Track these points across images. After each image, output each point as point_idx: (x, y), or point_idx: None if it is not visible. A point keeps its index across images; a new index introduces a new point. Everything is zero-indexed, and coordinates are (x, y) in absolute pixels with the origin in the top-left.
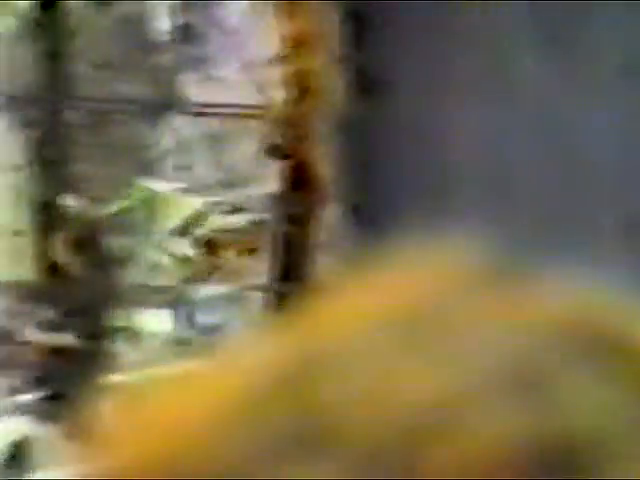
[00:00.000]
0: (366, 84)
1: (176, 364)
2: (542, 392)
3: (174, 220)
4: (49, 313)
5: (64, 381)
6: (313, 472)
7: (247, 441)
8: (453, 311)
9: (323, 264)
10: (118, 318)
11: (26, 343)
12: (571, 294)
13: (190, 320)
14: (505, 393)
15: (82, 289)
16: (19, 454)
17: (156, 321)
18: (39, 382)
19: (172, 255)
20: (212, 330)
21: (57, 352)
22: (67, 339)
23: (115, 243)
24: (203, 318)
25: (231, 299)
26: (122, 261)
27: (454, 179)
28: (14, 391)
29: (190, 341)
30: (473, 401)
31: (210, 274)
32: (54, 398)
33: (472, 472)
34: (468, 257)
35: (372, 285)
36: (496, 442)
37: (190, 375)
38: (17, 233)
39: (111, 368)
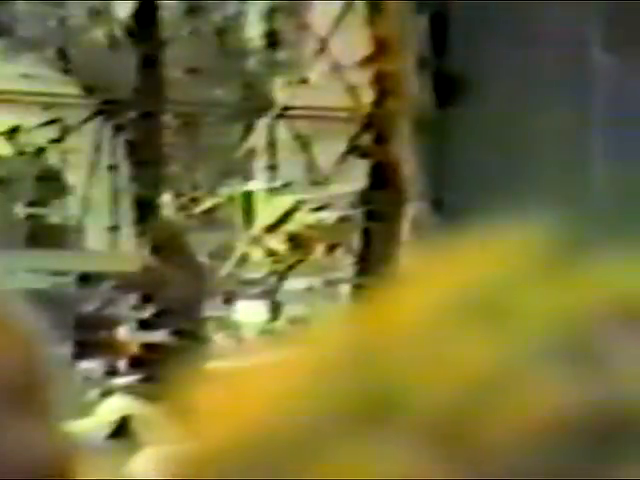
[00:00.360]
0: (447, 85)
1: (266, 352)
2: (595, 363)
3: (266, 217)
4: (143, 311)
5: (161, 366)
6: (380, 440)
7: (320, 413)
8: (513, 291)
9: (406, 258)
10: (213, 309)
11: (122, 340)
12: (627, 277)
13: (278, 311)
14: (560, 364)
15: (173, 286)
16: (121, 432)
17: (248, 312)
18: (137, 365)
19: (264, 250)
20: (299, 321)
21: (152, 348)
22: (160, 336)
23: (210, 238)
24: (291, 309)
25: (317, 292)
26: (216, 255)
27: (533, 175)
28: (115, 373)
29: (278, 331)
30: (529, 372)
31: (297, 268)
32: (151, 380)
33: (529, 439)
34: (531, 241)
35: (443, 268)
36: (551, 410)
37: (271, 356)
38: (113, 229)
39: (206, 356)
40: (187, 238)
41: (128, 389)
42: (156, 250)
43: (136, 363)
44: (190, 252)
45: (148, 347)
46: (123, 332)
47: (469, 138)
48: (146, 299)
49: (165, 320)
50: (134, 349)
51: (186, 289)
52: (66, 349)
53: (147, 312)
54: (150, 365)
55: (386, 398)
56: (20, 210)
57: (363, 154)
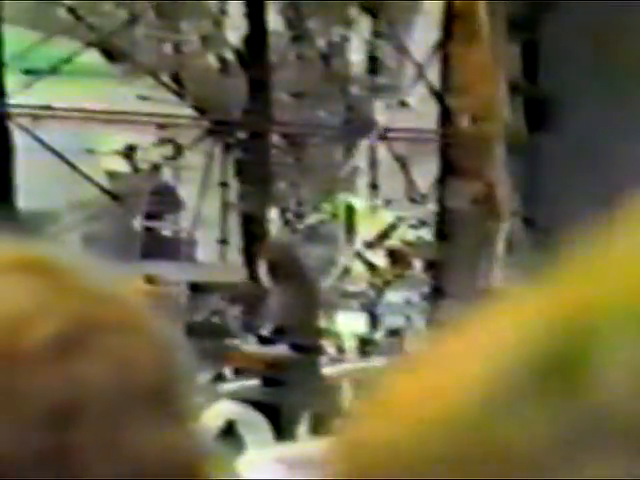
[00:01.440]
0: (539, 109)
1: (369, 362)
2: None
3: (367, 233)
4: (263, 325)
5: (282, 383)
6: (608, 466)
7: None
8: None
9: (503, 275)
10: (321, 321)
11: (244, 354)
12: None
13: (378, 323)
14: None
15: (286, 301)
16: (229, 435)
17: (349, 323)
18: (245, 373)
19: (365, 263)
20: (397, 333)
21: (272, 364)
22: (281, 350)
23: (313, 252)
24: (389, 321)
25: (414, 305)
26: (321, 269)
27: (621, 196)
28: (222, 378)
29: (378, 342)
30: None
31: (396, 282)
32: (261, 386)
33: None
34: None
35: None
36: None
37: (428, 360)
38: (222, 242)
39: (321, 368)
40: (300, 255)
41: (234, 395)
42: (272, 268)
43: (240, 371)
44: (304, 269)
45: (270, 364)
46: (248, 347)
47: (560, 161)
48: (252, 310)
49: (283, 335)
50: (257, 364)
51: (300, 304)
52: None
53: (267, 328)
54: (257, 373)
55: (600, 418)
56: (136, 223)
57: (461, 175)
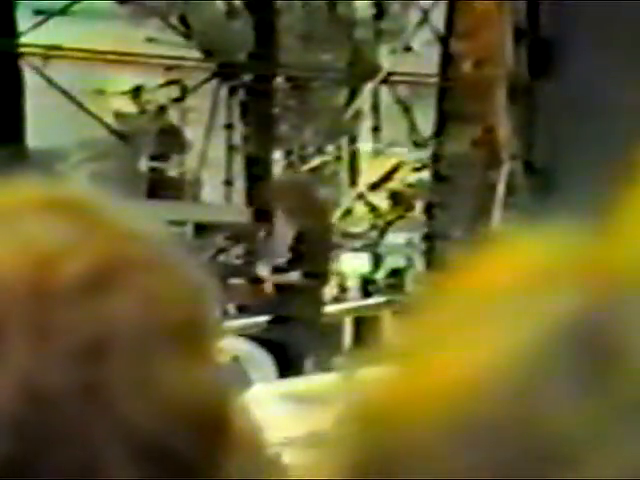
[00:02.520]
0: (541, 55)
1: (368, 301)
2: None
3: (370, 175)
4: (276, 255)
5: (285, 310)
6: None
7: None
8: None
9: (503, 216)
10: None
11: (257, 280)
12: None
13: (379, 263)
14: None
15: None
16: (235, 371)
17: (351, 263)
18: (251, 310)
19: (367, 205)
20: (398, 273)
21: (281, 288)
22: (293, 277)
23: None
24: (391, 261)
25: (415, 246)
26: (329, 210)
27: (618, 145)
28: (227, 315)
29: (379, 282)
30: None
31: (398, 223)
32: (272, 323)
33: None
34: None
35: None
36: None
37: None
38: (227, 183)
39: (322, 301)
40: (315, 191)
41: (238, 331)
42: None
43: (244, 309)
44: (320, 203)
45: (279, 288)
46: (262, 272)
47: (561, 105)
48: (255, 249)
49: (296, 264)
50: (269, 288)
51: (315, 233)
52: None
53: (284, 257)
54: (275, 308)
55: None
56: (143, 164)
57: (462, 119)
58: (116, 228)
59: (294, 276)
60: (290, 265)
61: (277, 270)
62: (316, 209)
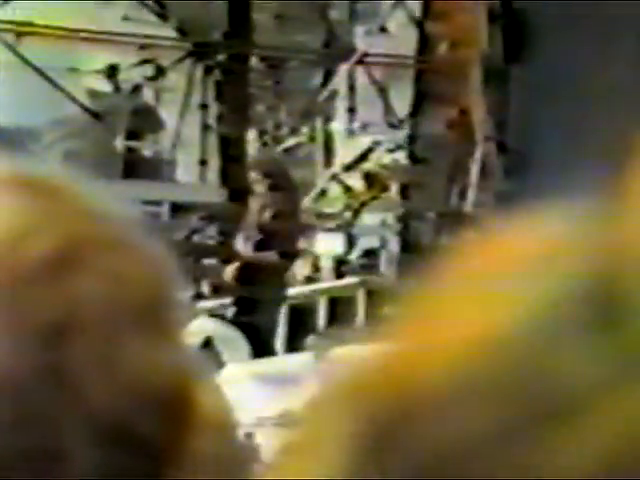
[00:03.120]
0: (516, 37)
1: (340, 282)
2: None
3: (344, 156)
4: (253, 235)
5: (252, 290)
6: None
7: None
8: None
9: (477, 197)
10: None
11: (233, 257)
12: None
13: (353, 244)
14: None
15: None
16: (206, 351)
17: (325, 243)
18: (223, 290)
19: (342, 186)
20: (372, 253)
21: (252, 268)
22: (270, 257)
23: (291, 174)
24: (365, 242)
25: (389, 227)
26: (299, 190)
27: (589, 129)
28: (201, 297)
29: (352, 262)
30: None
31: (372, 204)
32: (238, 304)
33: None
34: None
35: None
36: None
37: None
38: (202, 163)
39: (288, 282)
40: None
41: (211, 312)
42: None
43: (218, 289)
44: (291, 181)
45: (250, 267)
46: (240, 246)
47: (534, 87)
48: (229, 229)
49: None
50: (240, 264)
51: (288, 212)
52: None
53: (258, 236)
54: (244, 288)
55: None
56: (118, 143)
57: (437, 100)
58: (82, 208)
59: (270, 255)
60: (263, 244)
61: (254, 249)
62: (287, 189)
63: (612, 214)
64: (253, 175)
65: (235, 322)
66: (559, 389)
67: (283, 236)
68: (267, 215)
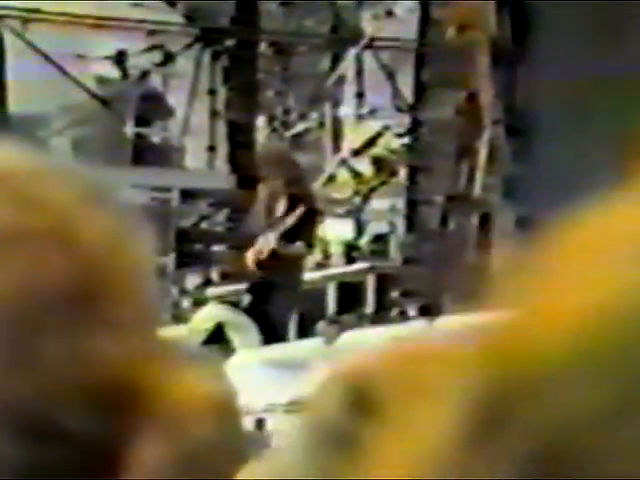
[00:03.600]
0: (524, 20)
1: (352, 267)
2: None
3: (353, 141)
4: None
5: (269, 276)
6: None
7: None
8: None
9: (485, 180)
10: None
11: (240, 247)
12: None
13: (363, 229)
14: None
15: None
16: (218, 337)
17: (335, 229)
18: (233, 277)
19: (351, 171)
20: (381, 238)
21: (276, 257)
22: (299, 247)
23: (300, 160)
24: (374, 227)
25: (398, 212)
26: (308, 176)
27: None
28: (211, 282)
29: (362, 248)
30: None
31: (381, 189)
32: (255, 289)
33: None
34: None
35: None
36: None
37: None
38: (211, 149)
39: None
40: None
41: (222, 298)
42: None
43: (227, 276)
44: (299, 168)
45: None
46: (270, 238)
47: (543, 70)
48: (238, 215)
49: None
50: (266, 253)
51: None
52: (168, 260)
53: (285, 226)
54: (243, 277)
55: None
56: (127, 129)
57: (445, 83)
58: (16, 195)
59: (299, 246)
60: (289, 234)
61: (281, 238)
62: (296, 176)
63: None
64: (261, 163)
65: (248, 309)
66: None
67: (308, 229)
68: (280, 203)
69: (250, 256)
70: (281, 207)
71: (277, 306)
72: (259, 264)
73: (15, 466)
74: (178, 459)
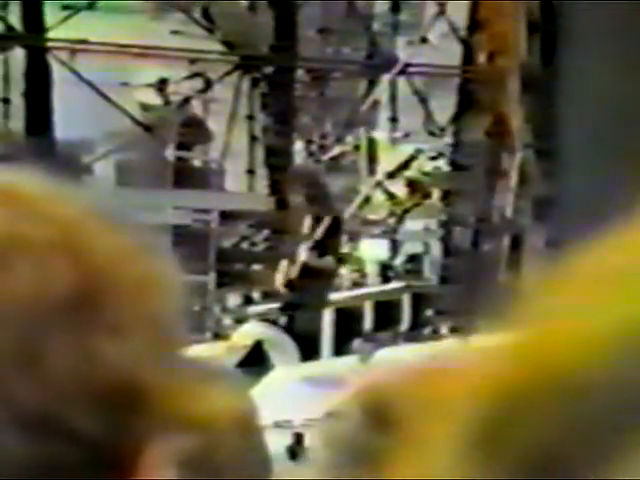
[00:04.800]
0: (554, 47)
1: (385, 286)
2: None
3: (387, 164)
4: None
5: (300, 295)
6: None
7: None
8: None
9: (515, 203)
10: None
11: (293, 261)
12: None
13: (398, 249)
14: None
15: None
16: (257, 354)
17: (370, 249)
18: (273, 295)
19: (385, 193)
20: (416, 258)
21: (308, 271)
22: (328, 261)
23: (337, 182)
24: (409, 247)
25: (432, 232)
26: (344, 198)
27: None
28: (251, 301)
29: (397, 267)
30: None
31: (415, 210)
32: (288, 308)
33: None
34: None
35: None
36: None
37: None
38: (250, 173)
39: (337, 287)
40: (324, 181)
41: (262, 316)
42: (292, 189)
43: (267, 294)
44: (328, 193)
45: (305, 272)
46: (303, 253)
47: (573, 95)
48: (276, 235)
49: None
50: (297, 270)
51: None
52: (209, 279)
53: (313, 239)
54: (296, 293)
55: None
56: (169, 154)
57: (478, 109)
58: (24, 208)
59: (327, 261)
60: (319, 251)
61: (313, 254)
62: (324, 197)
63: None
64: (291, 185)
65: (285, 327)
66: None
67: (333, 243)
68: (308, 223)
69: (279, 278)
70: (307, 224)
71: (309, 323)
72: (288, 284)
73: (24, 464)
74: (190, 464)
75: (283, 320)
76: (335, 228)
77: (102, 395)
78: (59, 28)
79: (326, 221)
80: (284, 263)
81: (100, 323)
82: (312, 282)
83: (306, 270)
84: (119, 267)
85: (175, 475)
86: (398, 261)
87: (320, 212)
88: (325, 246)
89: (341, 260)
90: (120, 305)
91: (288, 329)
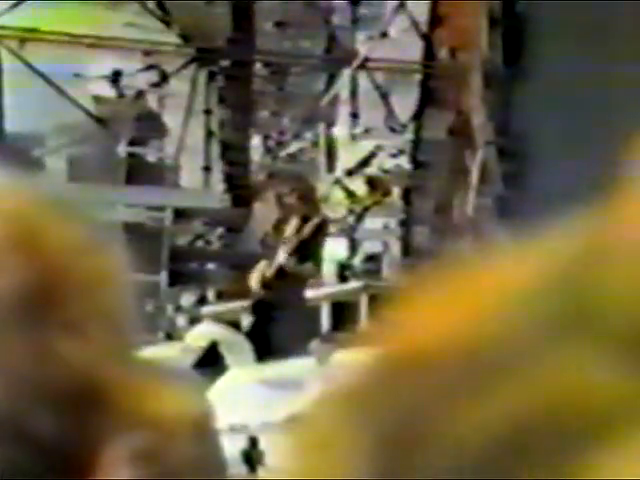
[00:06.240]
0: (516, 42)
1: (347, 285)
2: None
3: (347, 161)
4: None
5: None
6: (578, 349)
7: (528, 322)
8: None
9: (477, 202)
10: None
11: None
12: None
13: (356, 248)
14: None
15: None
16: (212, 355)
17: (329, 248)
18: (228, 295)
19: (344, 191)
20: (375, 258)
21: (282, 274)
22: (307, 267)
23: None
24: (368, 246)
25: (392, 231)
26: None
27: (586, 129)
28: (205, 301)
29: (355, 267)
30: None
31: (374, 209)
32: (259, 307)
33: None
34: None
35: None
36: None
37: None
38: (206, 169)
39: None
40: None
41: (216, 317)
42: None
43: (221, 294)
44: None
45: (281, 274)
46: (281, 255)
47: (534, 92)
48: (232, 233)
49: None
50: (273, 271)
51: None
52: (161, 278)
53: (296, 240)
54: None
55: (585, 313)
56: (122, 149)
57: (438, 105)
58: None
59: (309, 267)
60: (300, 254)
61: (291, 254)
62: (312, 199)
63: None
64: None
65: (249, 328)
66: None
67: (316, 245)
68: (296, 224)
69: (254, 276)
70: (293, 224)
71: (278, 325)
72: (265, 284)
73: None
74: (145, 465)
75: (245, 321)
76: (320, 230)
77: (59, 395)
78: (7, 16)
79: (313, 222)
80: (262, 263)
81: (55, 320)
82: (288, 283)
83: (283, 271)
84: (72, 262)
85: (130, 475)
86: (356, 260)
87: (309, 213)
88: (308, 247)
89: (318, 265)
90: (74, 301)
91: (250, 330)
